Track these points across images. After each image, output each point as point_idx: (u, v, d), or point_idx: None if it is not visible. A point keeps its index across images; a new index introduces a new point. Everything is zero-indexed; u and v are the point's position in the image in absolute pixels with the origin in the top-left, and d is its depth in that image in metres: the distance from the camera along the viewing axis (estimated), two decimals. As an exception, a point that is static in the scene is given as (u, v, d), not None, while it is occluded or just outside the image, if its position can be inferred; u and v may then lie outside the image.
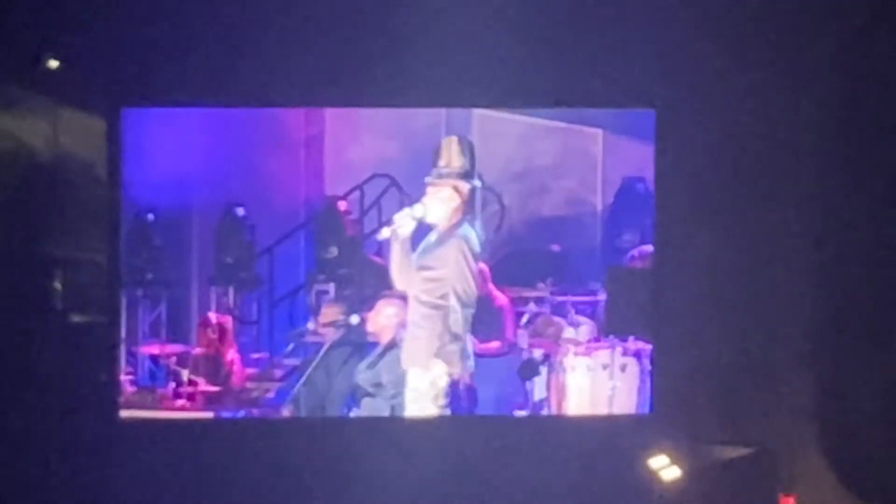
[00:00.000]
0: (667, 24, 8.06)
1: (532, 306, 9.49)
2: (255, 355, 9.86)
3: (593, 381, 9.02)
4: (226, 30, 7.99)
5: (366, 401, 8.72)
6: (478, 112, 10.01)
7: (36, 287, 8.10)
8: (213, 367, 9.47)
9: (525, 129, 10.40)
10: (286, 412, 9.02)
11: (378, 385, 8.68)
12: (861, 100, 8.02)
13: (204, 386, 9.31)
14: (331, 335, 9.10)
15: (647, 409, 8.63)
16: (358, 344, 8.99)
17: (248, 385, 9.48)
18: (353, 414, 8.78)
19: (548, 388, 9.11)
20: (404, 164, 9.64)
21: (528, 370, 9.05)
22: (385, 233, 8.33)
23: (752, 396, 8.09)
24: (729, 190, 8.18)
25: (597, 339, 9.23)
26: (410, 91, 8.16)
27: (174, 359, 9.54)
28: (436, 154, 8.32)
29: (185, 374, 9.36)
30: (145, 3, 7.91)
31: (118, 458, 7.97)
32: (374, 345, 8.84)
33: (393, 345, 8.63)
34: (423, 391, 8.25)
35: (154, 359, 9.72)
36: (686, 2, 8.05)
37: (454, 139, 8.31)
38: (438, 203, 8.28)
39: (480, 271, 8.50)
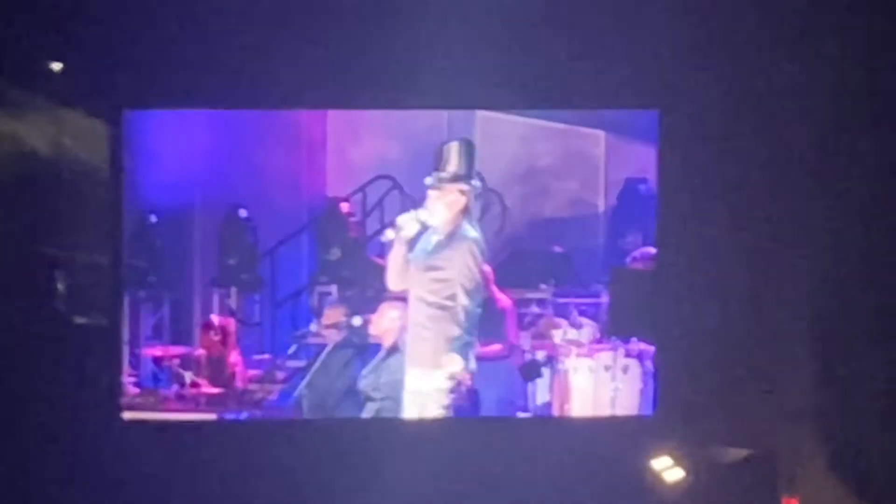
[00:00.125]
0: (669, 25, 8.06)
1: (535, 308, 9.50)
2: (258, 357, 9.87)
3: (595, 382, 9.02)
4: (228, 32, 7.99)
5: (368, 405, 8.72)
6: (480, 113, 10.02)
7: (38, 288, 8.10)
8: (216, 369, 9.48)
9: (527, 130, 10.40)
10: (289, 413, 9.03)
11: (380, 389, 8.68)
12: (864, 101, 8.01)
13: (206, 388, 9.32)
14: (333, 337, 9.10)
15: (649, 411, 8.63)
16: (360, 346, 8.99)
17: (251, 387, 9.49)
18: (356, 416, 8.77)
19: (550, 389, 9.11)
20: (407, 166, 9.65)
21: (531, 372, 9.06)
22: (389, 234, 8.32)
23: (754, 398, 8.08)
24: (732, 191, 8.17)
25: (599, 341, 9.24)
26: (413, 93, 8.16)
27: (177, 360, 9.54)
28: (437, 158, 8.30)
29: (187, 376, 9.37)
30: (147, 5, 7.91)
31: (121, 460, 7.97)
32: (377, 347, 8.84)
33: (395, 348, 8.63)
34: (426, 393, 8.23)
35: (157, 360, 9.73)
36: (688, 3, 8.04)
37: (455, 145, 8.29)
38: (443, 206, 8.26)
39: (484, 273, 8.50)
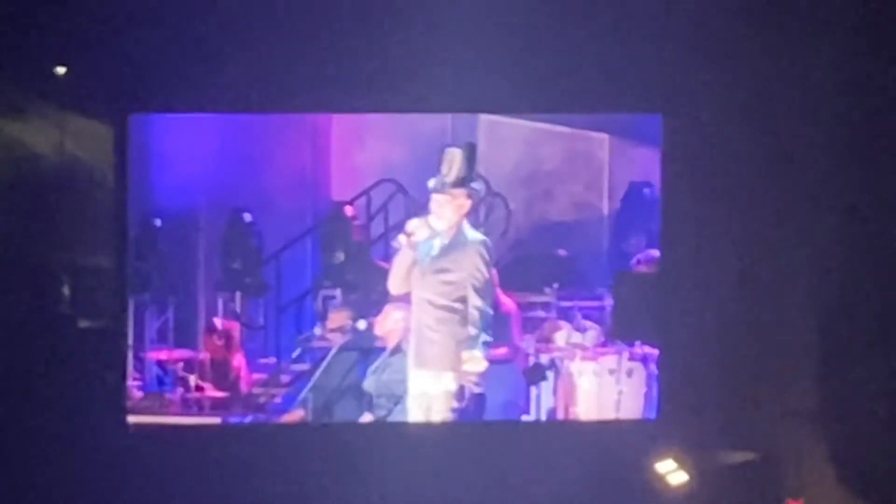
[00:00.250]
0: (673, 29, 8.06)
1: (539, 311, 9.51)
2: (263, 361, 9.89)
3: (600, 386, 9.02)
4: (233, 36, 7.99)
5: (373, 405, 8.72)
6: (484, 117, 10.04)
7: (43, 293, 8.10)
8: (221, 373, 9.49)
9: (531, 134, 10.43)
10: (293, 417, 9.04)
11: (384, 389, 8.68)
12: (868, 105, 8.02)
13: (211, 391, 9.33)
14: (338, 340, 9.10)
15: (653, 414, 8.63)
16: (365, 349, 8.99)
17: (256, 390, 9.50)
18: (360, 419, 8.78)
19: (554, 393, 9.11)
20: (411, 170, 9.66)
21: (535, 375, 9.06)
22: (402, 240, 8.28)
23: (758, 401, 8.08)
24: (735, 194, 8.17)
25: (603, 344, 9.24)
26: (417, 97, 8.16)
27: (181, 364, 9.56)
28: (439, 162, 8.29)
29: (192, 380, 9.37)
30: (152, 9, 7.91)
31: (126, 464, 7.97)
32: (382, 349, 8.84)
33: (399, 349, 8.63)
34: (434, 396, 8.23)
35: (161, 364, 9.74)
36: (692, 7, 8.04)
37: (457, 151, 8.29)
38: (450, 211, 8.25)
39: (488, 275, 8.51)
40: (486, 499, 7.99)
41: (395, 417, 8.58)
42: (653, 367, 8.78)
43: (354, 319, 9.09)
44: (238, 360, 9.61)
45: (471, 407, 8.30)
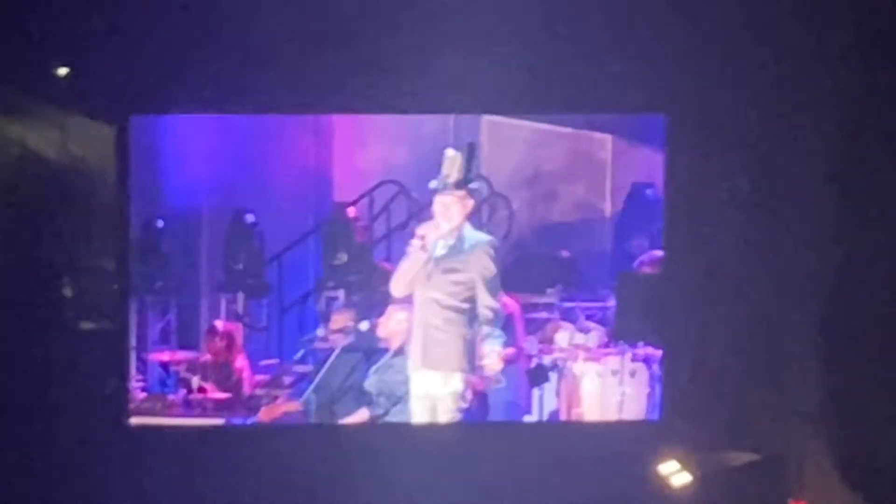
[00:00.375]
0: (676, 29, 8.05)
1: (542, 312, 9.51)
2: (265, 362, 9.89)
3: (603, 386, 9.02)
4: (234, 37, 7.99)
5: (374, 405, 8.73)
6: (486, 118, 10.05)
7: (45, 294, 8.10)
8: (223, 374, 9.50)
9: (534, 134, 10.44)
10: (296, 418, 9.04)
11: (386, 389, 8.69)
12: (873, 105, 8.01)
13: (214, 393, 9.33)
14: (340, 341, 9.10)
15: (656, 415, 8.63)
16: (368, 350, 8.99)
17: (258, 391, 9.51)
18: (359, 418, 8.78)
19: (557, 394, 9.12)
20: (413, 171, 9.67)
21: (538, 376, 9.06)
22: (416, 244, 8.25)
23: (761, 402, 8.07)
24: (738, 195, 8.16)
25: (606, 345, 9.24)
26: (419, 97, 8.15)
27: (184, 366, 9.57)
28: (440, 163, 8.28)
29: (194, 381, 9.38)
30: (154, 10, 7.91)
31: (128, 465, 7.97)
32: (385, 350, 8.84)
33: (402, 350, 8.63)
34: (440, 397, 8.22)
35: (164, 366, 9.76)
36: (696, 7, 8.04)
37: (458, 154, 8.28)
38: (455, 211, 8.25)
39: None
40: (489, 500, 7.99)
41: (393, 417, 8.58)
42: (656, 367, 8.79)
43: (357, 320, 9.08)
44: (240, 362, 9.61)
45: (474, 408, 8.30)
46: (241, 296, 10.05)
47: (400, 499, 7.87)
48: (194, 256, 10.50)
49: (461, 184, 8.23)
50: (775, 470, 7.97)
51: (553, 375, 9.13)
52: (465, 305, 8.18)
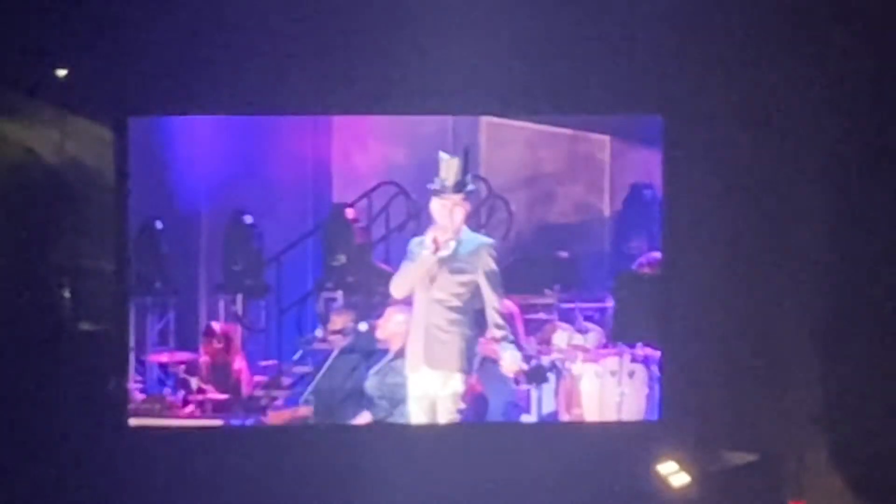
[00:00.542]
0: (674, 29, 8.05)
1: (540, 313, 9.50)
2: (264, 363, 9.88)
3: (601, 387, 9.02)
4: (233, 38, 7.99)
5: (374, 407, 8.72)
6: (485, 119, 10.04)
7: (44, 295, 8.10)
8: (222, 375, 9.49)
9: (532, 135, 10.43)
10: (295, 419, 9.04)
11: (387, 392, 8.68)
12: (869, 106, 8.01)
13: (212, 394, 9.33)
14: (339, 342, 9.10)
15: (655, 416, 8.62)
16: (367, 351, 8.99)
17: (257, 393, 9.50)
18: (362, 421, 8.77)
19: (556, 395, 9.11)
20: (412, 172, 9.66)
21: (536, 377, 9.05)
22: (429, 247, 8.22)
23: (760, 402, 8.07)
24: (737, 196, 8.17)
25: (605, 346, 9.23)
26: (418, 98, 8.15)
27: (183, 367, 9.56)
28: (437, 166, 8.28)
29: (193, 382, 9.38)
30: (152, 11, 7.91)
31: (127, 466, 7.97)
32: (384, 352, 8.83)
33: (402, 352, 8.61)
34: (441, 397, 8.22)
35: (163, 367, 9.75)
36: (693, 7, 8.04)
37: (454, 158, 8.28)
38: (459, 213, 8.25)
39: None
40: (488, 500, 7.99)
41: (394, 419, 8.58)
42: (654, 368, 8.78)
43: (356, 321, 9.08)
44: (239, 363, 9.60)
45: (472, 409, 8.30)
46: (239, 297, 10.04)
47: (399, 499, 7.87)
48: (193, 257, 10.49)
49: (459, 187, 8.24)
50: (774, 470, 7.97)
51: (551, 376, 9.12)
52: (468, 306, 8.20)
